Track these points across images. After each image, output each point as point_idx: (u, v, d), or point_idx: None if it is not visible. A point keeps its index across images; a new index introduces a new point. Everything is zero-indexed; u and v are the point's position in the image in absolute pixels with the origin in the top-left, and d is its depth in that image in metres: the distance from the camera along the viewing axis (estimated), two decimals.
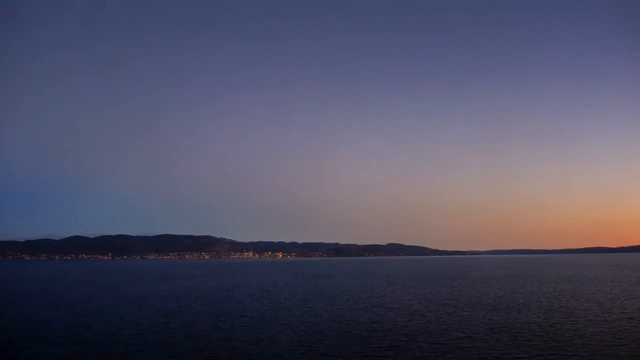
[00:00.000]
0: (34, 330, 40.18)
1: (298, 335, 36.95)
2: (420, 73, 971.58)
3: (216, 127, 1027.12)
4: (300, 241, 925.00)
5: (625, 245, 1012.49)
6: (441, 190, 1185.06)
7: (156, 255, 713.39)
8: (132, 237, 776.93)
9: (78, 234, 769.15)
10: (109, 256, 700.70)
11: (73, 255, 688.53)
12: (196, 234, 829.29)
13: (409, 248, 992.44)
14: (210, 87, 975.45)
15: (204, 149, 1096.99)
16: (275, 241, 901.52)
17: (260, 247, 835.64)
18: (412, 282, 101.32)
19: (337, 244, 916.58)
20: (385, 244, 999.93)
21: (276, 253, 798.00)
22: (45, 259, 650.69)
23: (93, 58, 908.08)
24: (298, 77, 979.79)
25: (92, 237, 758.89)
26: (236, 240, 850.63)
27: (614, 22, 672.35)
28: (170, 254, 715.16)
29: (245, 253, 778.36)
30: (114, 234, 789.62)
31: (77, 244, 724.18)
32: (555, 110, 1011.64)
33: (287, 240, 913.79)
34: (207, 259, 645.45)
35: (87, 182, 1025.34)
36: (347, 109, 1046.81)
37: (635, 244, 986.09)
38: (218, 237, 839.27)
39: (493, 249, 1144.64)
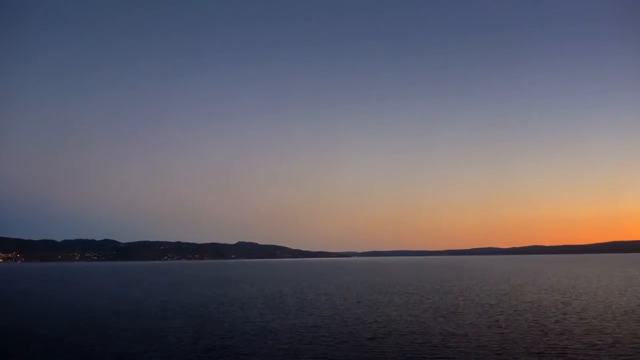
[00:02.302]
0: None
1: None
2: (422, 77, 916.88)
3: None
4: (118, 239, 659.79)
5: (513, 246, 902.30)
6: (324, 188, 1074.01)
7: None
8: None
9: None
10: None
11: None
12: None
13: (264, 248, 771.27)
14: (210, 90, 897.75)
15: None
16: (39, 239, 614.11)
17: None
18: None
19: (127, 243, 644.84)
20: (234, 243, 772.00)
21: None
22: None
23: (92, 59, 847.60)
24: (299, 80, 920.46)
25: None
26: None
27: (614, 22, 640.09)
28: None
29: None
30: None
31: None
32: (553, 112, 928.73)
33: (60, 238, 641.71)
34: None
35: None
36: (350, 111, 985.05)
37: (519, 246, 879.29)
38: None
39: (371, 250, 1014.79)
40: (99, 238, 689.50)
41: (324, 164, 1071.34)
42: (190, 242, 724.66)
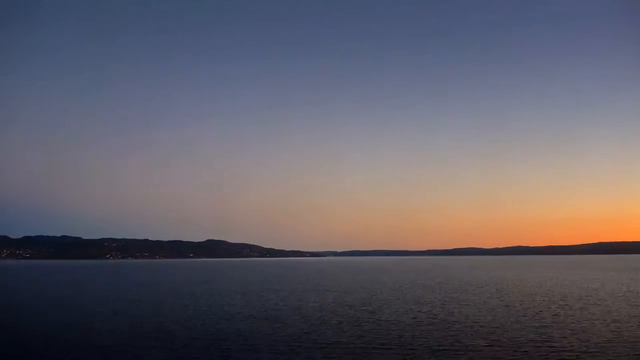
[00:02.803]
0: None
1: None
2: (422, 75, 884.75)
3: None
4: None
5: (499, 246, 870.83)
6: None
7: None
8: None
9: None
10: None
11: None
12: None
13: (232, 246, 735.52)
14: (208, 89, 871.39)
15: None
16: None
17: None
18: None
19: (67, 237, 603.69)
20: (202, 241, 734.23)
21: None
22: None
23: (92, 58, 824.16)
24: (297, 78, 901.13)
25: None
26: None
27: (615, 23, 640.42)
28: None
29: None
30: None
31: None
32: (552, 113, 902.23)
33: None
34: None
35: None
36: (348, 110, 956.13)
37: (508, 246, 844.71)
38: None
39: (351, 250, 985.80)
40: (59, 234, 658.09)
41: (309, 162, 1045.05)
42: (159, 239, 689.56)
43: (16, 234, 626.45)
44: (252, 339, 30.93)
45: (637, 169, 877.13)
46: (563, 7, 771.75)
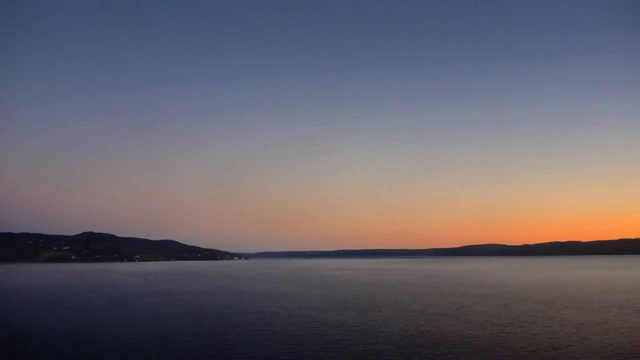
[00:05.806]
0: None
1: None
2: (422, 73, 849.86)
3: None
4: None
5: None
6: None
7: None
8: None
9: None
10: None
11: None
12: None
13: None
14: (208, 88, 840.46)
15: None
16: None
17: None
18: None
19: None
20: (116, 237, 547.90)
21: None
22: None
23: (92, 55, 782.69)
24: (298, 77, 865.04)
25: None
26: None
27: (616, 23, 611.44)
28: None
29: None
30: None
31: None
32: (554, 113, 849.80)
33: None
34: None
35: None
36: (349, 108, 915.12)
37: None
38: None
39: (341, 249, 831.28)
40: None
41: (305, 160, 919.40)
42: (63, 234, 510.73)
43: None
44: None
45: None
46: (566, 5, 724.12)
